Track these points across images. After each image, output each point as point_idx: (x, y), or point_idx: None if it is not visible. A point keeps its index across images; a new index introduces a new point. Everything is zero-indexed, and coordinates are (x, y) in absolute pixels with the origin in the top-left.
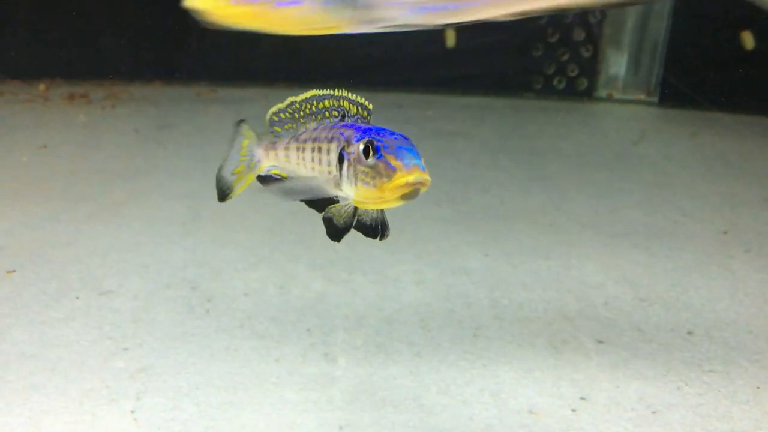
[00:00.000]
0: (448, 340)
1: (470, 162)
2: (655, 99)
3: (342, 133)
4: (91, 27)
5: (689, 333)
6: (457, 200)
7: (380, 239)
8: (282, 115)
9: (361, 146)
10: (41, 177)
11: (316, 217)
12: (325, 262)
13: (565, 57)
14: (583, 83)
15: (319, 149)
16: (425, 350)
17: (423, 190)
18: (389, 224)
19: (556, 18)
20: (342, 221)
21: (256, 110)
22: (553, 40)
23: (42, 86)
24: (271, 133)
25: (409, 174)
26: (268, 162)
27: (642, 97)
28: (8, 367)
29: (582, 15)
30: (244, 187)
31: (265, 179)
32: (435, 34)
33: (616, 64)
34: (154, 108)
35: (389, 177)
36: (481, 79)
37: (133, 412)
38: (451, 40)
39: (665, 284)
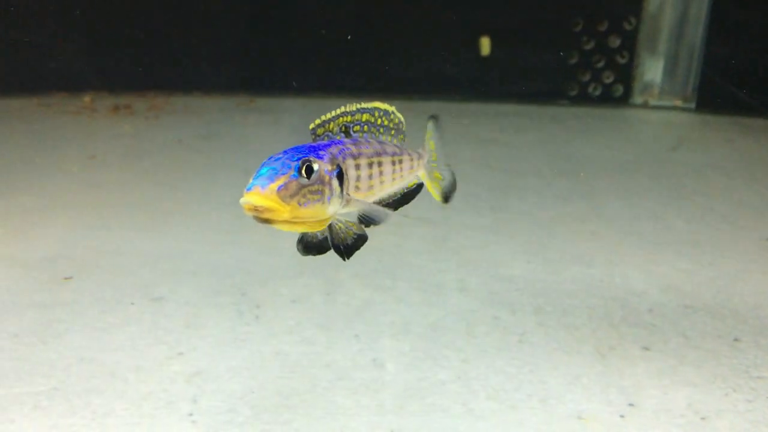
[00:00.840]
0: (494, 346)
1: (508, 170)
2: (692, 105)
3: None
4: (135, 39)
5: (736, 340)
6: (497, 208)
7: (345, 259)
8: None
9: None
10: (91, 187)
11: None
12: (369, 271)
13: (601, 64)
14: (619, 90)
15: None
16: (472, 356)
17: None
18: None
19: (591, 25)
20: (345, 238)
21: (293, 119)
22: (589, 47)
23: (87, 98)
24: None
25: (245, 193)
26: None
27: (678, 103)
28: (69, 371)
29: (617, 22)
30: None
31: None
32: (471, 44)
33: (652, 70)
34: (195, 118)
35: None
36: (517, 87)
37: (190, 414)
38: (486, 48)
39: (710, 291)
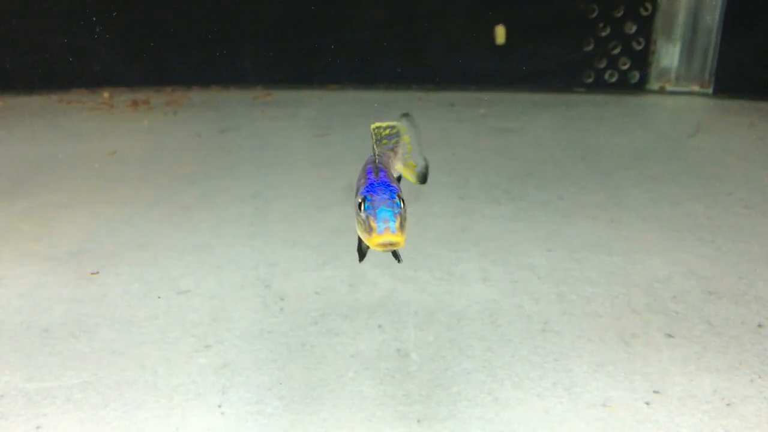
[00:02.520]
0: (518, 335)
1: (526, 159)
2: (710, 90)
3: (360, 182)
4: (154, 34)
5: (759, 326)
6: (516, 197)
7: (360, 260)
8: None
9: (359, 200)
10: (114, 181)
11: None
12: (391, 261)
13: (617, 50)
14: (635, 76)
15: (359, 180)
16: (496, 345)
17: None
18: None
19: (606, 11)
20: (364, 245)
21: (311, 112)
22: (604, 33)
23: (106, 94)
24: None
25: (379, 236)
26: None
27: (696, 88)
28: (100, 364)
29: (633, 7)
30: (417, 179)
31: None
32: (486, 32)
33: (669, 55)
34: (213, 113)
35: (369, 233)
36: (533, 75)
37: (219, 406)
38: (501, 37)
39: (733, 277)
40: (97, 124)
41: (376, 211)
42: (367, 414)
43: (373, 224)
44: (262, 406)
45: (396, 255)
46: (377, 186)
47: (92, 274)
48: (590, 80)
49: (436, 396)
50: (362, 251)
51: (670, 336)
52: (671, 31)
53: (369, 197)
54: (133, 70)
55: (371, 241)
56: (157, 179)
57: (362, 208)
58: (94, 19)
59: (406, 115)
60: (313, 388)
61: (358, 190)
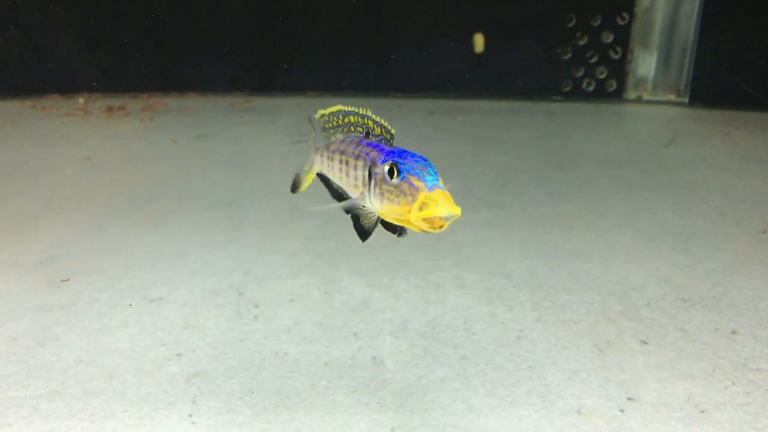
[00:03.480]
0: (493, 343)
1: (503, 166)
2: (686, 99)
3: (368, 154)
4: (130, 40)
5: (733, 332)
6: (493, 205)
7: (398, 236)
8: (321, 121)
9: (386, 168)
10: (86, 188)
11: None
12: (367, 268)
13: (594, 59)
14: (612, 85)
15: (347, 162)
16: (471, 353)
17: (452, 216)
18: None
19: (584, 21)
20: (367, 224)
21: (289, 119)
22: (582, 42)
23: (81, 100)
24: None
25: (429, 192)
26: (317, 164)
27: (672, 97)
28: (68, 373)
29: (610, 17)
30: (306, 184)
31: (323, 178)
32: (464, 41)
33: (645, 65)
34: (190, 119)
35: (413, 196)
36: (511, 83)
37: (190, 416)
38: (480, 45)
39: (707, 285)
40: (71, 131)
41: (417, 171)
42: (340, 422)
43: (419, 183)
44: (233, 415)
45: (401, 229)
46: (401, 153)
47: (62, 281)
48: (568, 89)
49: (410, 404)
50: (365, 228)
51: (644, 343)
52: (648, 40)
53: (401, 161)
54: (109, 76)
55: (419, 215)
56: (131, 186)
57: (394, 175)
58: (70, 24)
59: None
60: (286, 397)
61: (360, 165)
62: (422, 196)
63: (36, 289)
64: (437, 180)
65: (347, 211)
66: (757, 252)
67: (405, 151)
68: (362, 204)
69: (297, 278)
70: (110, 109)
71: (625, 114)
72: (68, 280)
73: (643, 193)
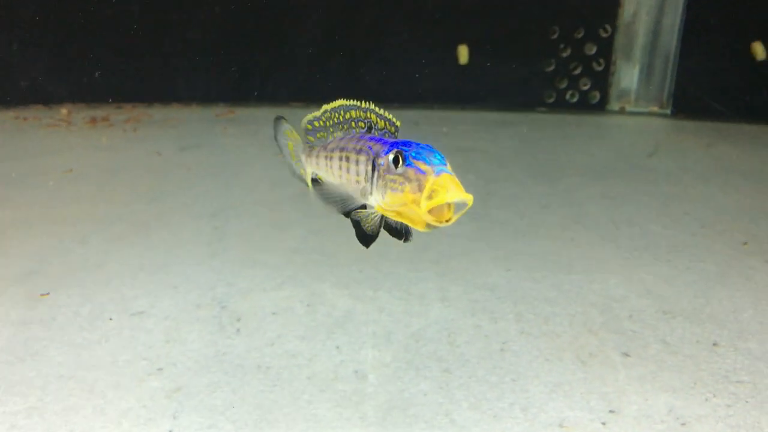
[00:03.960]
0: (476, 356)
1: (488, 178)
2: (668, 111)
3: (370, 147)
4: (114, 50)
5: (714, 344)
6: (477, 216)
7: (404, 241)
8: (316, 123)
9: (391, 156)
10: (69, 200)
11: (339, 238)
12: (350, 281)
13: (578, 71)
14: (596, 96)
15: (347, 159)
16: (454, 366)
17: (464, 205)
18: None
19: (567, 33)
20: (369, 227)
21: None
22: (566, 54)
23: (64, 110)
24: (306, 144)
25: (437, 177)
26: (310, 166)
27: (655, 109)
28: (47, 389)
29: (593, 29)
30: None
31: (314, 181)
32: (450, 52)
33: (628, 76)
34: (174, 130)
35: (419, 182)
36: (495, 95)
37: (171, 431)
38: (464, 57)
39: (688, 296)
40: (54, 141)
41: (423, 156)
42: None
43: (426, 167)
44: (215, 430)
45: (406, 233)
46: (405, 142)
47: (42, 295)
48: (552, 100)
49: (393, 418)
50: (367, 235)
51: (626, 355)
52: (631, 52)
53: (406, 149)
54: (93, 87)
55: (429, 203)
56: (113, 197)
57: (399, 163)
58: (53, 34)
59: (279, 118)
60: (268, 411)
61: (362, 158)
62: (430, 180)
63: (16, 303)
64: (445, 165)
65: (333, 204)
66: (738, 264)
67: (410, 142)
68: (355, 195)
69: (280, 290)
70: (94, 120)
71: (608, 125)
72: (48, 293)
73: (627, 204)
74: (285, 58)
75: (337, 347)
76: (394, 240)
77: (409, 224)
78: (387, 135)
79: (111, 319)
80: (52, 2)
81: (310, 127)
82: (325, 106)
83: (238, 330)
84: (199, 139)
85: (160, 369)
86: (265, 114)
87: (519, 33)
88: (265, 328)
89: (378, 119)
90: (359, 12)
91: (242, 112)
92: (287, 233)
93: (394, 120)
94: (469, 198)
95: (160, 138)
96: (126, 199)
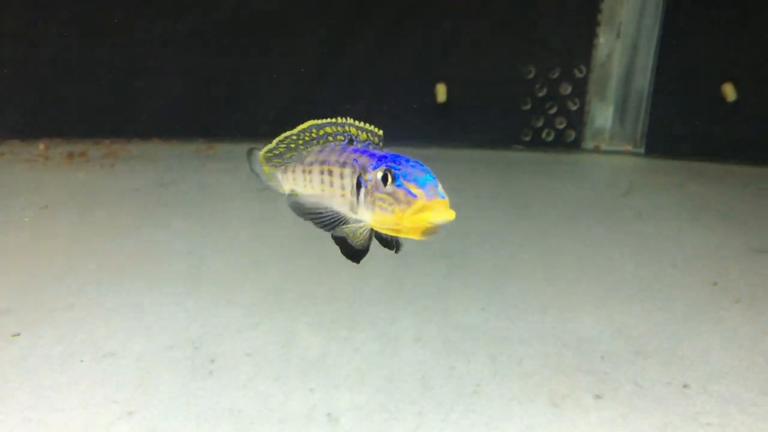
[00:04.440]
0: (450, 398)
1: (464, 216)
2: (642, 150)
3: (356, 160)
4: (92, 84)
5: (685, 386)
6: (453, 255)
7: (395, 252)
8: (276, 151)
9: (379, 174)
10: (43, 238)
11: (315, 276)
12: (325, 320)
13: (553, 110)
14: (571, 135)
15: (330, 172)
16: (428, 408)
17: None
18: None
19: (543, 73)
20: (359, 242)
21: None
22: (542, 94)
23: (42, 145)
24: (273, 166)
25: (429, 202)
26: (288, 183)
27: (629, 148)
28: None
29: (568, 69)
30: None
31: (289, 198)
32: (426, 90)
33: (603, 116)
34: (153, 165)
35: (408, 203)
36: (472, 133)
37: None
38: (442, 95)
39: (660, 337)
40: (30, 177)
41: (415, 177)
42: None
43: (417, 190)
44: None
45: (397, 244)
46: (394, 157)
47: (13, 336)
48: (528, 138)
49: None
50: (356, 250)
51: (598, 397)
52: (605, 92)
53: (395, 167)
54: (70, 122)
55: (412, 212)
56: (89, 235)
57: (388, 181)
58: (30, 67)
59: (252, 150)
60: None
61: (348, 172)
62: (420, 205)
63: None
64: (437, 186)
65: (312, 218)
66: (709, 304)
67: (398, 156)
68: (339, 209)
69: (255, 331)
70: (71, 155)
71: (583, 163)
72: (19, 334)
73: (600, 243)
74: (266, 92)
75: (311, 389)
76: (370, 280)
77: (405, 236)
78: (371, 147)
79: (82, 361)
80: (32, 36)
81: (270, 155)
82: (288, 132)
83: (211, 372)
84: (178, 175)
85: (130, 413)
86: (245, 150)
87: (496, 72)
88: (238, 370)
89: (359, 131)
90: (340, 49)
91: (222, 148)
92: (264, 272)
93: (376, 130)
94: (451, 216)
95: (139, 174)
96: (102, 236)
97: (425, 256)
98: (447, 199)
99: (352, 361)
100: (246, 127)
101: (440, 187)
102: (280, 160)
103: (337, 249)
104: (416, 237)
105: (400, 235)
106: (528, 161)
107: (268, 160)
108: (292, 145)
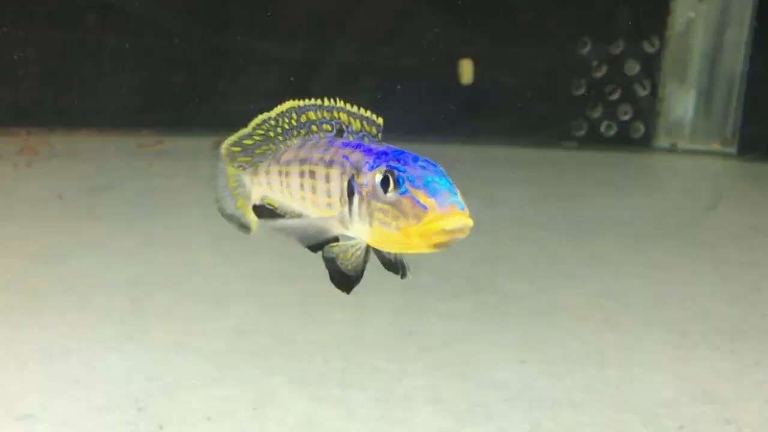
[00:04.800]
0: None
1: (497, 236)
2: (733, 150)
3: (346, 157)
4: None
5: None
6: (482, 289)
7: (402, 277)
8: (247, 141)
9: (378, 177)
10: None
11: (297, 314)
12: (312, 374)
13: (615, 96)
14: (640, 129)
15: (312, 174)
16: None
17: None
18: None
19: (601, 46)
20: (351, 265)
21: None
22: (600, 74)
23: None
24: (239, 167)
25: (444, 215)
26: (260, 189)
27: (716, 147)
28: None
29: (635, 42)
30: (253, 223)
31: (259, 210)
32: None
33: (682, 104)
34: (82, 165)
35: (418, 218)
36: (511, 126)
37: None
38: (467, 75)
39: (759, 400)
40: None
41: (425, 182)
42: None
43: (428, 200)
44: None
45: (403, 268)
46: (397, 155)
47: None
48: (582, 133)
49: None
50: (346, 276)
51: None
52: (684, 73)
53: (399, 167)
54: None
55: (422, 231)
56: None
57: (390, 187)
58: None
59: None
60: None
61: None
62: (432, 218)
63: None
64: (455, 193)
65: (303, 241)
66: None
67: (403, 152)
68: (326, 225)
69: (218, 388)
70: None
71: (655, 167)
72: None
73: (678, 273)
74: (233, 81)
75: None
76: (371, 320)
77: (411, 251)
78: (366, 139)
79: None
80: None
81: (238, 149)
82: (265, 114)
83: None
84: (116, 177)
85: None
86: (203, 145)
87: (540, 45)
88: None
89: (352, 119)
90: (355, 34)
91: (173, 142)
92: (229, 309)
93: (375, 118)
94: (469, 224)
95: (63, 176)
96: (14, 260)
97: (444, 288)
98: (467, 212)
99: (347, 429)
100: (206, 116)
101: (459, 195)
102: (249, 158)
103: (327, 276)
104: (425, 250)
105: (406, 251)
106: (582, 163)
107: (233, 156)
108: (271, 134)
